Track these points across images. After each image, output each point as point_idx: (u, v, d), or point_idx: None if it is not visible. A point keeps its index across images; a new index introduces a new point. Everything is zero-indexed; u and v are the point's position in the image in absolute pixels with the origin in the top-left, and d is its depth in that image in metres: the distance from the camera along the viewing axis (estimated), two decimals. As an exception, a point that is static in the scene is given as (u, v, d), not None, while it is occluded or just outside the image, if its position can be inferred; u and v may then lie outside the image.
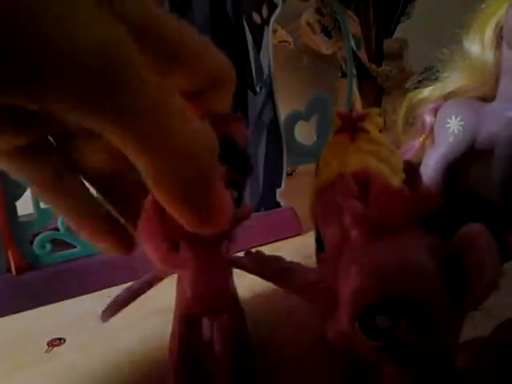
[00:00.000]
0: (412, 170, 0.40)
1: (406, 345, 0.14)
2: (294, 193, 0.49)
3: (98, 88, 0.12)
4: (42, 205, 0.40)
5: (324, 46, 0.82)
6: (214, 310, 0.24)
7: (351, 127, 0.23)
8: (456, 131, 0.41)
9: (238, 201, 0.22)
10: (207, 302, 0.23)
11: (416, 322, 0.14)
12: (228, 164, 0.21)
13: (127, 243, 0.21)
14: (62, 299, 0.38)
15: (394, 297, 0.14)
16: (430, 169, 0.42)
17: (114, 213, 0.21)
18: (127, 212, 0.21)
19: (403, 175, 0.23)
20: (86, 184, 0.21)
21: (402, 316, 0.14)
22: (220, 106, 0.20)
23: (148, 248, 0.22)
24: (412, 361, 0.15)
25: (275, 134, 0.52)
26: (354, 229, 0.16)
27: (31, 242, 0.40)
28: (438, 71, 0.45)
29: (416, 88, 0.48)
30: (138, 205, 0.18)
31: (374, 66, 0.81)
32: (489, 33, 0.40)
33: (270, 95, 0.51)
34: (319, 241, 0.23)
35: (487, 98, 0.41)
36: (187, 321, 0.24)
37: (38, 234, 0.40)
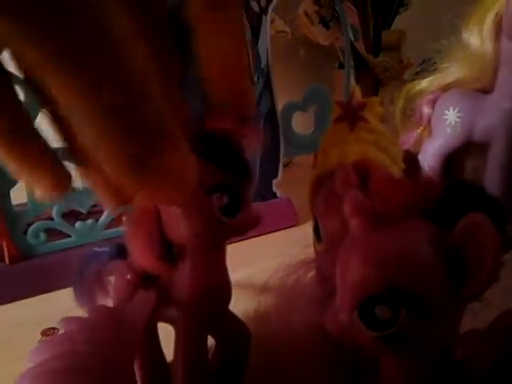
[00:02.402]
0: (412, 160, 0.40)
1: (406, 335, 0.14)
2: (291, 183, 0.49)
3: None
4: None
5: (322, 37, 0.82)
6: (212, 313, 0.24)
7: (351, 116, 0.23)
8: (453, 123, 0.41)
9: (230, 208, 0.20)
10: (206, 303, 0.23)
11: (416, 312, 0.14)
12: (218, 164, 0.20)
13: (63, 182, 0.17)
14: (56, 289, 0.38)
15: (396, 288, 0.14)
16: (427, 160, 0.41)
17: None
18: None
19: (403, 165, 0.23)
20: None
21: (402, 306, 0.14)
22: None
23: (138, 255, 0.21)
24: (411, 352, 0.15)
25: (272, 123, 0.51)
26: (354, 219, 0.16)
27: (25, 232, 0.39)
28: (436, 63, 0.45)
29: (414, 80, 0.48)
30: None
31: (371, 57, 0.80)
32: (488, 24, 0.39)
33: (268, 85, 0.50)
34: (317, 231, 0.22)
35: (486, 90, 0.41)
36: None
37: (31, 224, 0.40)
